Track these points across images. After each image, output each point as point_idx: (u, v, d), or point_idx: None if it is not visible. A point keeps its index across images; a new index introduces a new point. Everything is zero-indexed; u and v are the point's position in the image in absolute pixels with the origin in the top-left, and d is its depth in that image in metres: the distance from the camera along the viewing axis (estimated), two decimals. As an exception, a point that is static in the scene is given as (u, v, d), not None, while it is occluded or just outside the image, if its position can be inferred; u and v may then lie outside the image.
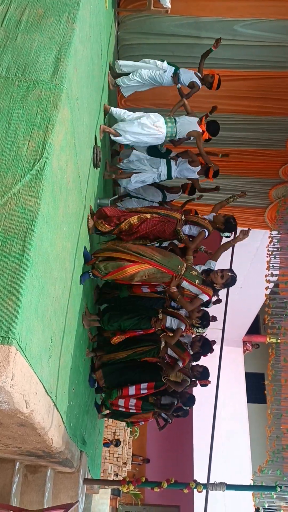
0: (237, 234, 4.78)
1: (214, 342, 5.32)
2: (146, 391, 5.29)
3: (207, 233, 4.99)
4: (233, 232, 5.24)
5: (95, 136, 4.59)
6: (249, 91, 6.54)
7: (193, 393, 5.97)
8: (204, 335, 5.11)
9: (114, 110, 5.26)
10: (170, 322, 4.77)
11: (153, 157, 5.50)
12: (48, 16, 3.27)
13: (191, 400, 5.81)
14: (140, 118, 5.10)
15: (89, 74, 3.95)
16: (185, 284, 4.38)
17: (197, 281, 4.38)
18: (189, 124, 5.23)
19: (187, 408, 5.98)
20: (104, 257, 4.39)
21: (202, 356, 5.22)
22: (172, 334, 4.68)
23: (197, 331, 4.56)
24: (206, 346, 4.99)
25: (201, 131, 5.23)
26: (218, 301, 5.61)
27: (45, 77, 2.96)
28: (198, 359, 5.34)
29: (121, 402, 5.74)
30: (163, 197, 5.91)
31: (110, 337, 4.99)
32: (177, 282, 4.31)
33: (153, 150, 5.53)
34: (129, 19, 6.12)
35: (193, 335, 5.09)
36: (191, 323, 4.55)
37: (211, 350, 5.18)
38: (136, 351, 5.11)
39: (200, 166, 5.52)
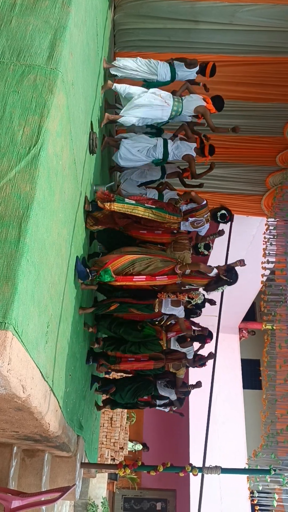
0: (233, 223, 4.88)
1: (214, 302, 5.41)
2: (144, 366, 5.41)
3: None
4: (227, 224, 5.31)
5: (91, 122, 4.55)
6: (247, 77, 6.48)
7: (190, 378, 6.06)
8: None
9: (118, 86, 5.28)
10: (166, 306, 4.85)
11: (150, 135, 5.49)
12: (43, -1, 3.23)
13: (210, 334, 5.90)
14: (145, 92, 5.14)
15: (85, 59, 3.91)
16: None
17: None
18: (195, 101, 5.26)
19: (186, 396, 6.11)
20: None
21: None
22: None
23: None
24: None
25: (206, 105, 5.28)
26: (212, 302, 5.66)
27: (40, 61, 2.94)
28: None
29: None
30: (162, 175, 5.86)
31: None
32: (184, 268, 4.46)
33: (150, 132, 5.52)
34: (125, 3, 6.04)
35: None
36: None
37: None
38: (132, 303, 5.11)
39: (195, 143, 5.51)
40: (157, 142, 5.37)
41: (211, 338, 5.64)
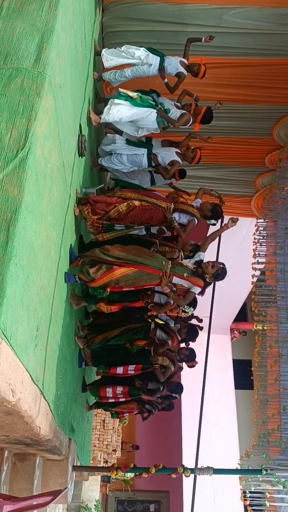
0: (225, 222, 4.82)
1: (200, 327, 5.38)
2: (133, 372, 5.33)
3: (196, 221, 5.02)
4: (218, 220, 5.27)
5: (80, 124, 4.56)
6: (235, 79, 6.52)
7: (182, 380, 6.06)
8: (190, 321, 5.19)
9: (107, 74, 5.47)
10: (158, 298, 4.81)
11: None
12: (29, 2, 3.22)
13: (179, 387, 5.89)
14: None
15: (73, 62, 3.92)
16: (176, 279, 4.40)
17: (185, 274, 4.40)
18: (176, 64, 5.34)
19: (176, 395, 6.06)
20: (89, 260, 4.40)
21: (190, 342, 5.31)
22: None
23: (184, 310, 4.60)
24: (192, 332, 5.07)
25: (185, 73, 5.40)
26: (199, 319, 5.65)
27: (28, 64, 2.93)
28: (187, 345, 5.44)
29: (109, 392, 5.80)
30: (151, 181, 5.87)
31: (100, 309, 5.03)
32: (167, 281, 4.30)
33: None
34: (113, 6, 6.05)
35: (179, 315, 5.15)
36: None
37: (197, 334, 5.27)
38: (128, 327, 5.12)
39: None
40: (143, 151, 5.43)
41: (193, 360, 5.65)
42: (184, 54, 5.48)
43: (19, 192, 2.50)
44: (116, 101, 5.11)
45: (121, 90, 5.11)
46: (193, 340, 5.22)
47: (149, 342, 5.09)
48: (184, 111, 5.35)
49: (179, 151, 5.49)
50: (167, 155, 5.39)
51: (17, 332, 2.46)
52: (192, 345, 5.57)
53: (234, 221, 4.62)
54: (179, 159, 5.40)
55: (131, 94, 5.07)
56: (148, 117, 5.20)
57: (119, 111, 5.13)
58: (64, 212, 3.86)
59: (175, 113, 5.32)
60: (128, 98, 5.08)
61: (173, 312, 4.97)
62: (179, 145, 5.68)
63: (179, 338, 5.18)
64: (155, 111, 5.19)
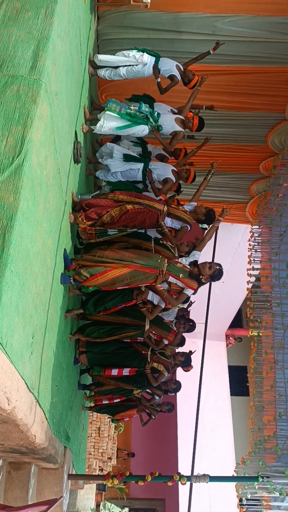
0: (217, 217, 4.85)
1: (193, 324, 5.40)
2: (128, 373, 5.36)
3: (189, 228, 5.02)
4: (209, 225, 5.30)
5: (76, 131, 4.56)
6: (230, 86, 6.57)
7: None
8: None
9: (101, 72, 5.47)
10: (151, 296, 4.80)
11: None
12: (25, 10, 3.24)
13: (177, 385, 5.91)
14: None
15: (69, 69, 3.93)
16: (171, 279, 4.40)
17: (181, 275, 4.40)
18: (172, 66, 5.35)
19: (173, 394, 6.10)
20: (84, 264, 4.39)
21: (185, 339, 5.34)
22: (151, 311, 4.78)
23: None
24: (189, 324, 5.12)
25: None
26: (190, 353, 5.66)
27: (23, 72, 2.94)
28: (183, 343, 5.41)
29: (104, 400, 5.81)
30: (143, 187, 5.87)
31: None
32: (162, 279, 4.31)
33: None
34: (108, 14, 6.09)
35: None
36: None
37: (195, 328, 5.28)
38: (121, 335, 5.13)
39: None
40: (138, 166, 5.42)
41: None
42: (186, 63, 5.47)
43: (14, 199, 2.50)
44: (108, 113, 5.13)
45: (110, 108, 5.13)
46: (190, 331, 5.23)
47: (147, 340, 5.15)
48: (176, 130, 5.34)
49: (175, 169, 5.51)
50: (163, 172, 5.40)
51: (13, 339, 2.45)
52: (187, 351, 5.60)
53: (226, 211, 4.67)
54: (173, 177, 5.41)
55: (117, 110, 5.12)
56: (139, 130, 5.24)
57: (110, 129, 5.19)
58: (59, 219, 3.85)
59: (167, 123, 5.35)
60: (118, 113, 5.13)
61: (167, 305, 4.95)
62: (177, 163, 5.71)
63: (176, 330, 5.21)
64: (147, 127, 5.22)
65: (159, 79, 5.38)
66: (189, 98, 5.46)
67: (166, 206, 4.83)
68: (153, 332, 5.16)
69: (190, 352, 5.60)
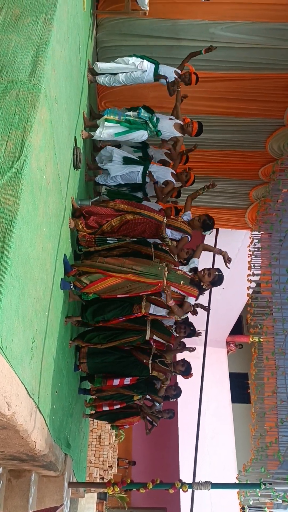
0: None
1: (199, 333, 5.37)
2: (129, 383, 5.33)
3: (189, 239, 5.04)
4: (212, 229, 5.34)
5: (75, 137, 4.58)
6: (228, 93, 6.61)
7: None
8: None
9: (100, 79, 5.50)
10: (153, 309, 4.78)
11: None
12: (25, 16, 3.26)
13: (177, 391, 5.89)
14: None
15: (68, 75, 3.95)
16: (172, 288, 4.38)
17: (182, 282, 4.38)
18: (171, 73, 5.40)
19: (174, 400, 6.08)
20: (84, 271, 4.38)
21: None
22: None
23: None
24: (189, 329, 5.09)
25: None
26: (206, 308, 5.62)
27: (23, 77, 2.95)
28: (189, 371, 5.41)
29: (105, 406, 5.77)
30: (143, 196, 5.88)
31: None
32: (170, 296, 4.24)
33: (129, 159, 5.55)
34: (107, 21, 6.13)
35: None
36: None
37: (195, 332, 5.25)
38: (121, 341, 5.10)
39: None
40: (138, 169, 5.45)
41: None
42: (181, 65, 5.54)
43: (14, 203, 2.50)
44: (107, 124, 5.16)
45: (108, 119, 5.17)
46: (191, 336, 5.21)
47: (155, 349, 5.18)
48: (177, 136, 5.38)
49: (174, 172, 5.53)
50: (163, 174, 5.42)
51: (13, 343, 2.43)
52: (188, 358, 5.55)
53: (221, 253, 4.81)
54: (173, 180, 5.43)
55: (116, 119, 5.16)
56: (138, 136, 5.27)
57: (109, 135, 5.24)
58: (59, 224, 3.85)
59: (166, 128, 5.37)
60: (117, 122, 5.17)
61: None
62: (174, 165, 5.74)
63: (177, 335, 5.19)
64: (146, 133, 5.24)
65: (164, 80, 5.42)
66: (175, 102, 5.53)
67: (165, 217, 4.84)
68: (155, 336, 5.13)
69: (190, 365, 5.58)
